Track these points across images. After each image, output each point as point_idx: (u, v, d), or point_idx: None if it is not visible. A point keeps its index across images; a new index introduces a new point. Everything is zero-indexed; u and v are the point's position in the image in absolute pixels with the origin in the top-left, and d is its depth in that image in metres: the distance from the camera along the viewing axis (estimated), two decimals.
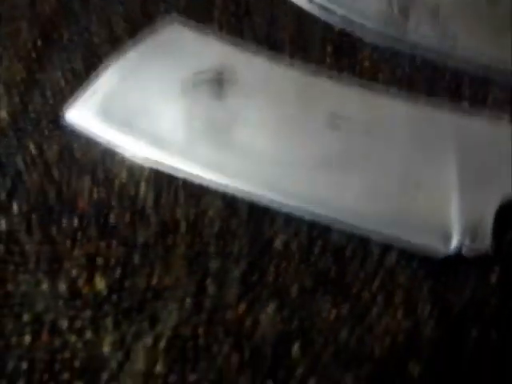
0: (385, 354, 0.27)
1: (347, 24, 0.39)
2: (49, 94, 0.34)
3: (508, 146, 0.32)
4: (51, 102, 0.33)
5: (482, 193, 0.30)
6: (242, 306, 0.27)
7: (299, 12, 0.39)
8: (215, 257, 0.29)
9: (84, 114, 0.32)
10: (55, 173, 0.31)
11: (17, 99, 0.33)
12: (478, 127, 0.33)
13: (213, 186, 0.31)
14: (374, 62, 0.38)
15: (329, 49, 0.38)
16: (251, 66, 0.34)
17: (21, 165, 0.31)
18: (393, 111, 0.33)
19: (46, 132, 0.32)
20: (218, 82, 0.33)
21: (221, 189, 0.31)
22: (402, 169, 0.31)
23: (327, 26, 0.39)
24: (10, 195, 0.30)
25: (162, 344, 0.26)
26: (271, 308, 0.27)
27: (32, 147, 0.31)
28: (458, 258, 0.29)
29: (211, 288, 0.28)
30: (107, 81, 0.33)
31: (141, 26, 0.36)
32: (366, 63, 0.37)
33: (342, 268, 0.29)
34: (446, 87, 0.37)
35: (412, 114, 0.33)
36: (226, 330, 0.27)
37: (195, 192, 0.31)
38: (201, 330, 0.27)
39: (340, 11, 0.39)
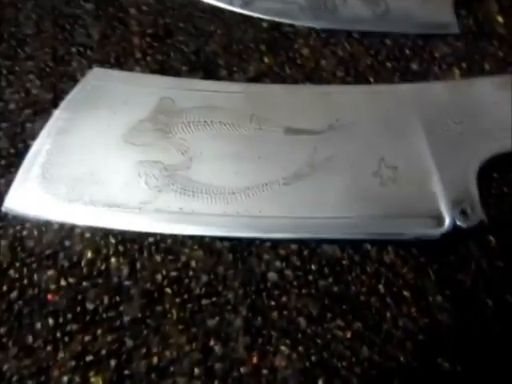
0: (411, 359, 0.26)
1: (274, 14, 0.36)
2: None
3: (470, 105, 0.31)
4: None
5: (459, 162, 0.29)
6: (255, 357, 0.25)
7: (222, 16, 0.36)
8: (211, 311, 0.26)
9: (24, 196, 0.29)
10: (11, 272, 0.27)
11: None
12: (437, 92, 0.32)
13: (186, 236, 0.28)
14: (313, 48, 0.35)
15: (263, 48, 0.35)
16: (190, 96, 0.31)
17: None
18: (350, 103, 0.31)
19: None
20: (163, 124, 0.30)
21: (196, 237, 0.28)
22: (375, 161, 0.29)
23: (255, 24, 0.36)
24: None
25: None
26: (284, 349, 0.26)
27: None
28: (454, 234, 0.28)
29: (217, 348, 0.26)
30: (40, 151, 0.30)
31: (58, 80, 0.33)
32: (305, 51, 0.35)
33: (344, 280, 0.28)
34: (389, 56, 0.35)
35: (369, 99, 0.31)
36: None
37: (170, 248, 0.28)
38: None
39: (264, 3, 0.37)
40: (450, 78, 0.34)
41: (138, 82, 0.32)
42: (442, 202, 0.28)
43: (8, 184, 0.29)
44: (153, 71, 0.34)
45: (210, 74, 0.34)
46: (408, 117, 0.30)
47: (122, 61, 0.34)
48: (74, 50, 0.34)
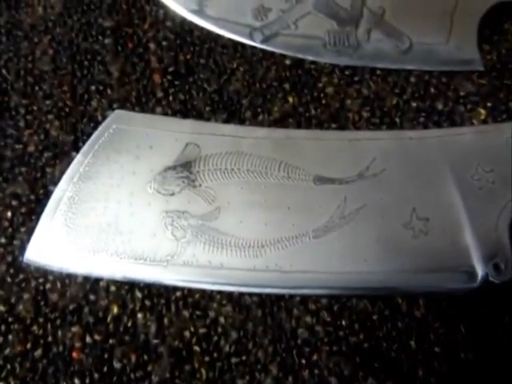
0: None
1: (296, 50, 0.36)
2: None
3: (500, 152, 0.30)
4: (3, 241, 0.29)
5: (491, 214, 0.29)
6: None
7: (243, 52, 0.35)
8: (241, 371, 0.26)
9: (46, 247, 0.28)
10: (35, 328, 0.27)
11: None
12: (465, 138, 0.31)
13: (215, 290, 0.27)
14: (337, 87, 0.35)
15: (286, 86, 0.34)
16: (216, 141, 0.30)
17: None
18: (379, 150, 0.30)
19: (9, 279, 0.28)
20: (188, 172, 0.29)
21: (225, 291, 0.27)
22: (406, 212, 0.29)
23: (277, 61, 0.35)
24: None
25: None
26: None
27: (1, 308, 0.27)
28: (486, 289, 0.27)
29: None
30: (61, 198, 0.29)
31: (78, 121, 0.32)
32: (329, 89, 0.34)
33: (375, 336, 0.27)
34: (414, 94, 0.35)
35: (398, 146, 0.30)
36: None
37: (198, 303, 0.27)
38: None
39: (286, 39, 0.36)
40: (475, 118, 0.34)
41: (161, 126, 0.31)
42: (474, 256, 0.28)
43: (29, 232, 0.29)
44: (175, 112, 0.33)
45: (233, 114, 0.33)
46: (437, 165, 0.30)
47: (143, 100, 0.33)
48: (93, 88, 0.33)
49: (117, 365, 0.26)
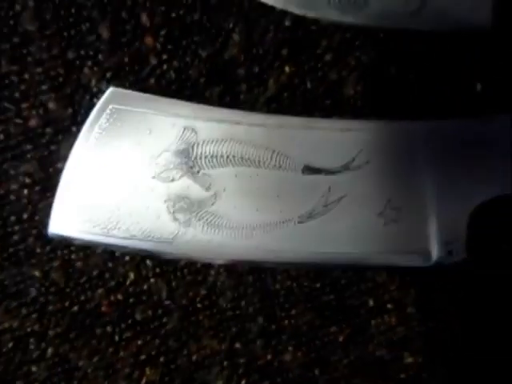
0: (383, 351, 0.34)
1: (298, 5, 0.33)
2: (16, 209, 0.33)
3: (478, 146, 0.32)
4: (25, 217, 0.33)
5: (456, 205, 0.32)
6: (269, 354, 0.34)
7: (241, 6, 0.33)
8: (235, 321, 0.34)
9: (65, 223, 0.32)
10: (68, 290, 0.33)
11: None
12: (448, 132, 0.32)
13: (213, 262, 0.33)
14: (336, 54, 0.34)
15: (284, 52, 0.33)
16: (212, 127, 0.31)
17: (34, 293, 0.33)
18: (367, 141, 0.32)
19: (38, 250, 0.33)
20: (187, 156, 0.31)
21: (221, 262, 0.33)
22: (382, 202, 0.32)
23: (276, 20, 0.33)
24: (42, 324, 0.33)
25: None
26: (291, 349, 0.34)
27: (37, 274, 0.33)
28: (438, 269, 0.33)
29: (240, 348, 0.34)
30: (71, 179, 0.32)
31: (73, 92, 0.32)
32: (328, 57, 0.34)
33: (341, 296, 0.34)
34: (413, 66, 0.34)
35: (385, 137, 0.32)
36: (260, 375, 0.34)
37: (199, 270, 0.33)
38: (243, 382, 0.34)
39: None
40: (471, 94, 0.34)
41: (158, 108, 0.32)
42: (432, 241, 0.32)
43: (47, 208, 0.32)
44: (170, 83, 0.33)
45: (228, 87, 0.33)
46: (419, 158, 0.32)
47: (136, 68, 0.33)
48: (83, 52, 0.32)
49: (138, 317, 0.33)
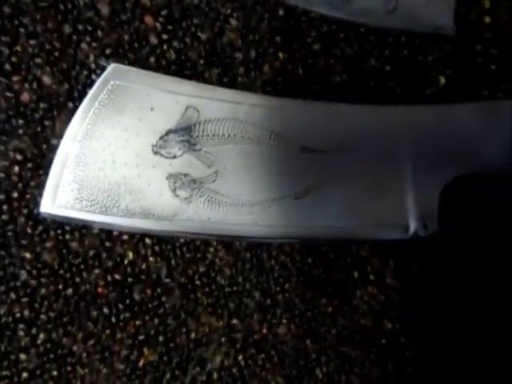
0: (367, 319, 0.37)
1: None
2: (5, 187, 0.31)
3: (450, 130, 0.37)
4: (15, 195, 0.31)
5: (429, 183, 0.36)
6: (264, 328, 0.35)
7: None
8: (232, 297, 0.34)
9: (59, 201, 0.31)
10: (62, 272, 0.32)
11: None
12: (426, 117, 0.36)
13: (211, 239, 0.34)
14: (324, 44, 0.36)
15: (278, 40, 0.36)
16: (214, 106, 0.32)
17: (25, 277, 0.31)
18: (357, 124, 0.35)
19: (29, 230, 0.31)
20: (189, 136, 0.32)
21: (220, 239, 0.34)
22: (368, 179, 0.35)
23: (270, 8, 0.35)
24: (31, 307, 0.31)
25: (214, 378, 0.34)
26: (285, 321, 0.36)
27: (28, 256, 0.31)
28: (415, 241, 0.37)
29: (237, 323, 0.35)
30: (67, 156, 0.31)
31: (70, 67, 0.31)
32: (317, 47, 0.36)
33: (330, 269, 0.37)
34: (391, 57, 0.38)
35: (373, 121, 0.35)
36: (256, 349, 0.35)
37: (198, 248, 0.34)
38: (240, 357, 0.35)
39: None
40: (434, 85, 0.39)
41: (161, 86, 0.32)
42: (410, 216, 0.36)
43: (39, 186, 0.31)
44: (169, 63, 0.33)
45: (227, 69, 0.34)
46: (400, 139, 0.36)
47: (136, 46, 0.33)
48: (80, 27, 0.32)
49: (136, 297, 0.33)
